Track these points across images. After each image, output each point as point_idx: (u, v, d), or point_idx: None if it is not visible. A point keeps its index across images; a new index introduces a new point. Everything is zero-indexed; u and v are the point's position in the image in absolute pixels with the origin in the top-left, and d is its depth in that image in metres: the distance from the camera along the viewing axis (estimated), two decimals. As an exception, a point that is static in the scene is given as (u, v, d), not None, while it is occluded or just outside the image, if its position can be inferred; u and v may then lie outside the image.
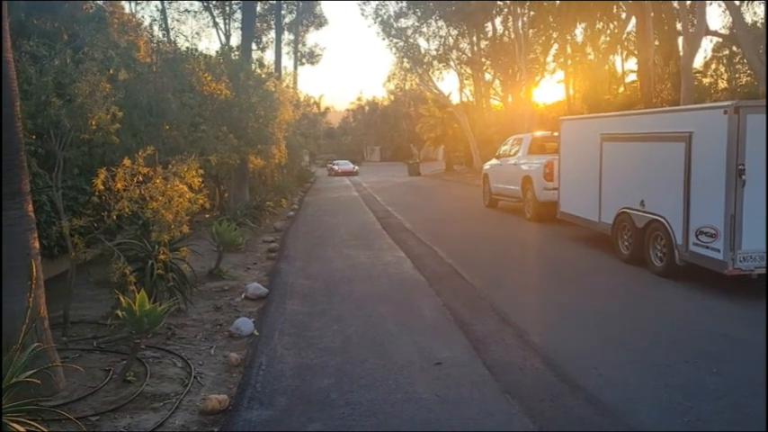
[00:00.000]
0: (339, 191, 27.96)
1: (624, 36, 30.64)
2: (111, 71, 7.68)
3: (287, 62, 37.80)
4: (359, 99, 67.51)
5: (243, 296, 8.10)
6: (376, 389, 4.97)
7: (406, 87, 44.45)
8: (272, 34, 32.85)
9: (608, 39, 31.24)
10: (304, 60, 38.67)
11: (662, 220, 8.53)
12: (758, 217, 7.23)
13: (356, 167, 46.28)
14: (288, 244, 12.64)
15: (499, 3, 32.52)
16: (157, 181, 6.49)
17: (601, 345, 5.96)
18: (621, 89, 33.50)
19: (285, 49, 35.55)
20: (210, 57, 14.23)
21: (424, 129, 41.35)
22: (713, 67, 33.02)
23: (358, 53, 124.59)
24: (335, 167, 45.87)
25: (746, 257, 7.26)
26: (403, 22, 36.43)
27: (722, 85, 31.76)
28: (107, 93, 6.68)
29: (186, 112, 10.37)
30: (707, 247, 7.65)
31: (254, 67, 17.48)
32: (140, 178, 6.35)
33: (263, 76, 17.22)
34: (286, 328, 6.69)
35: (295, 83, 35.19)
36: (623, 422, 4.34)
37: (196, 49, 13.48)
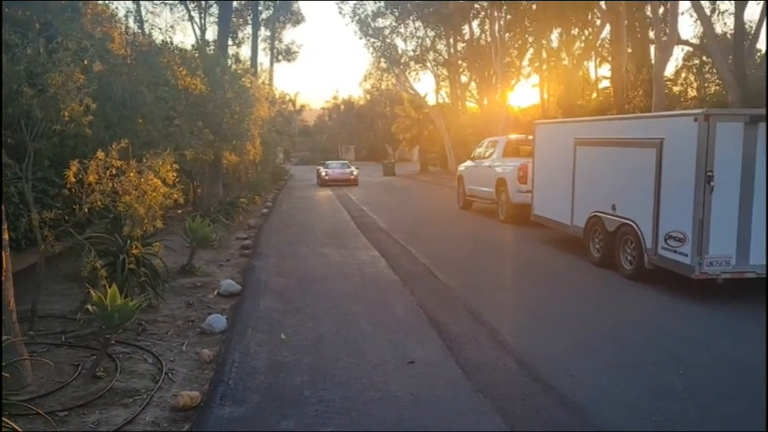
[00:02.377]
0: (314, 189, 27.92)
1: (598, 43, 31.13)
2: (86, 62, 7.54)
3: (263, 59, 37.62)
4: (335, 98, 67.29)
5: (215, 293, 8.03)
6: (349, 387, 4.98)
7: (383, 87, 44.46)
8: (249, 30, 32.53)
9: (582, 45, 31.65)
10: (280, 57, 38.40)
11: (632, 224, 8.69)
12: (725, 223, 7.40)
13: (355, 172, 30.54)
14: (262, 241, 12.56)
15: (476, 5, 32.74)
16: (131, 174, 6.40)
17: (572, 346, 6.05)
18: (595, 95, 34.02)
19: (261, 45, 35.30)
20: (186, 51, 14.07)
21: (400, 129, 41.41)
22: (683, 75, 33.68)
23: (335, 52, 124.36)
24: (324, 173, 30.25)
25: (713, 262, 7.43)
26: (380, 22, 36.44)
27: (692, 93, 32.38)
28: (81, 84, 6.56)
29: (161, 106, 10.23)
30: (675, 252, 7.81)
31: (230, 62, 17.32)
32: (113, 171, 6.26)
33: (239, 71, 17.06)
34: (259, 326, 6.66)
35: (271, 80, 34.96)
36: (593, 421, 4.41)
37: (171, 43, 13.33)
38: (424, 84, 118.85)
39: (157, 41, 13.46)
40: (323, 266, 9.94)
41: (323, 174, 30.40)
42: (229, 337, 6.23)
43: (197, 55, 14.06)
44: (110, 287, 5.34)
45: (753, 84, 20.50)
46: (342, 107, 65.97)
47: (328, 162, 33.12)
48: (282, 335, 5.79)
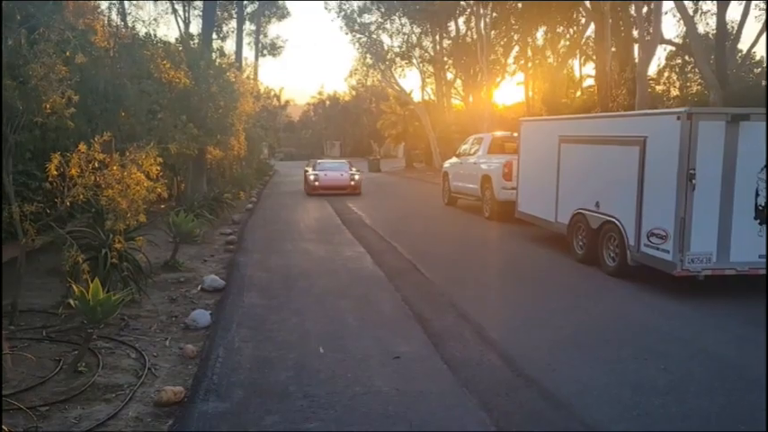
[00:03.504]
0: (299, 185, 27.72)
1: (583, 41, 31.32)
2: (68, 54, 7.43)
3: (248, 53, 37.30)
4: (320, 93, 67.07)
5: (199, 288, 7.98)
6: (335, 382, 4.97)
7: (368, 83, 44.37)
8: (234, 24, 32.34)
9: (567, 43, 31.87)
10: (265, 52, 38.17)
11: (615, 221, 8.76)
12: (706, 220, 7.48)
13: (357, 175, 22.08)
14: (246, 237, 12.50)
15: (462, 3, 32.79)
16: (114, 168, 6.33)
17: (555, 341, 6.09)
18: (579, 93, 34.23)
19: (246, 39, 35.06)
20: (170, 44, 13.93)
21: (385, 125, 41.39)
22: (666, 75, 34.01)
23: (320, 47, 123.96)
24: (313, 177, 21.57)
25: (694, 259, 7.51)
26: (366, 18, 36.38)
27: (674, 92, 32.73)
28: (63, 76, 6.47)
29: (144, 99, 10.13)
30: (657, 249, 7.89)
31: (214, 56, 17.19)
32: (96, 165, 6.18)
33: (224, 65, 16.95)
34: (244, 321, 6.63)
35: (256, 74, 34.73)
36: (575, 416, 4.45)
37: (155, 36, 13.20)
38: (410, 80, 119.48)
39: (141, 34, 13.32)
40: (308, 262, 9.92)
41: (311, 177, 21.23)
42: (213, 333, 6.20)
43: (181, 48, 13.95)
44: (92, 282, 5.28)
45: (734, 83, 20.75)
46: (327, 103, 65.78)
47: (319, 161, 24.34)
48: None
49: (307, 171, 23.20)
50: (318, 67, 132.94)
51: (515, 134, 13.45)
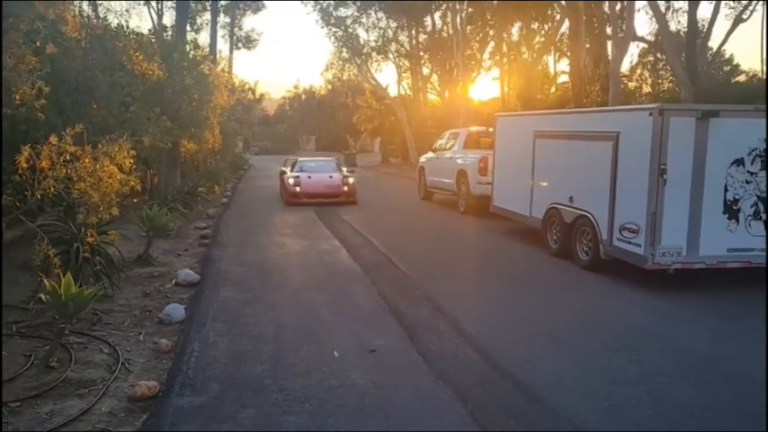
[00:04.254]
0: (273, 179, 27.48)
1: (557, 37, 31.60)
2: (38, 44, 7.28)
3: (222, 46, 37.05)
4: (296, 87, 66.63)
5: (173, 282, 7.90)
6: (310, 375, 4.97)
7: (344, 77, 44.22)
8: (208, 16, 31.91)
9: (542, 39, 32.10)
10: (240, 45, 37.75)
11: (589, 215, 8.88)
12: (676, 215, 7.62)
13: (351, 179, 17.41)
14: (221, 231, 12.40)
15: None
16: (86, 161, 6.24)
17: (529, 334, 6.16)
18: (554, 89, 34.56)
19: (221, 32, 34.63)
20: (142, 35, 13.72)
21: (361, 120, 41.29)
22: (638, 72, 34.52)
23: (296, 40, 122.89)
24: (293, 181, 16.93)
25: (665, 253, 7.65)
26: (342, 11, 36.21)
27: (646, 89, 33.24)
28: (32, 66, 6.34)
29: (116, 91, 9.96)
30: (629, 243, 8.02)
31: (188, 48, 16.96)
32: (67, 157, 6.08)
33: (198, 58, 16.74)
34: (219, 315, 6.59)
35: (230, 67, 34.35)
36: (549, 407, 4.51)
37: (127, 27, 12.98)
38: (386, 75, 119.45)
39: (113, 25, 13.10)
40: (283, 256, 9.89)
41: (290, 181, 16.74)
42: (188, 327, 6.15)
43: (154, 40, 13.75)
44: (63, 276, 5.20)
45: (704, 81, 21.14)
46: (303, 97, 65.42)
47: (300, 159, 19.18)
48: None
49: (284, 173, 17.73)
50: (294, 61, 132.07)
51: (491, 129, 13.54)
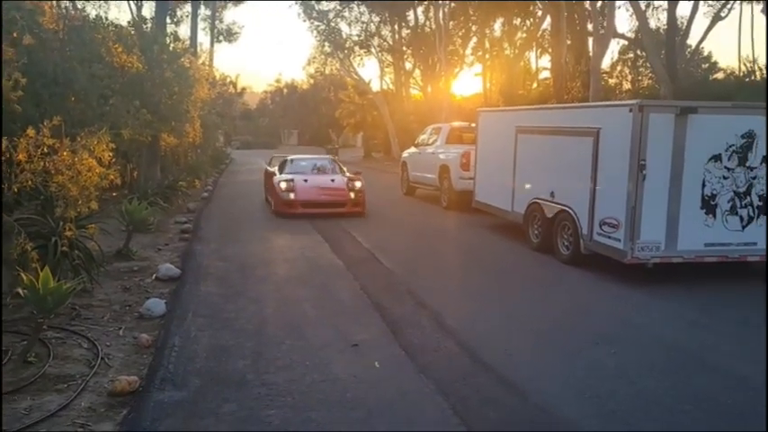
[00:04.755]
0: (256, 173, 27.31)
1: (539, 34, 31.78)
2: (15, 34, 7.16)
3: (203, 38, 36.74)
4: (277, 81, 66.15)
5: (153, 277, 7.83)
6: (293, 370, 4.96)
7: (327, 72, 44.03)
8: (188, 8, 31.56)
9: (524, 35, 32.26)
10: (221, 38, 37.38)
11: (570, 210, 8.95)
12: (655, 210, 7.71)
13: (359, 182, 13.85)
14: (202, 225, 12.31)
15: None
16: (64, 154, 6.14)
17: (511, 328, 6.21)
18: (535, 85, 34.77)
19: (201, 24, 34.25)
20: (122, 27, 13.54)
21: (344, 114, 41.22)
22: (619, 68, 34.85)
23: (278, 34, 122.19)
24: (287, 186, 13.33)
25: (644, 247, 7.74)
26: (325, 5, 36.04)
27: (627, 86, 33.58)
28: (9, 57, 6.24)
29: (95, 84, 9.83)
30: (609, 237, 8.10)
31: (168, 40, 16.78)
32: (45, 150, 5.98)
33: (178, 50, 16.56)
34: (200, 310, 6.54)
35: (211, 60, 34.06)
36: (530, 399, 4.55)
37: (106, 18, 12.78)
38: (369, 69, 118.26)
39: (91, 17, 12.91)
40: (265, 251, 9.84)
41: (282, 186, 13.44)
42: (169, 322, 6.10)
43: (133, 32, 13.58)
44: (41, 270, 5.13)
45: (683, 78, 21.39)
46: (285, 91, 65.02)
47: (290, 158, 15.42)
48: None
49: (272, 173, 14.72)
50: (276, 55, 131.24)
51: (473, 124, 13.57)
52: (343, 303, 7.00)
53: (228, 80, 43.10)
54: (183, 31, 32.71)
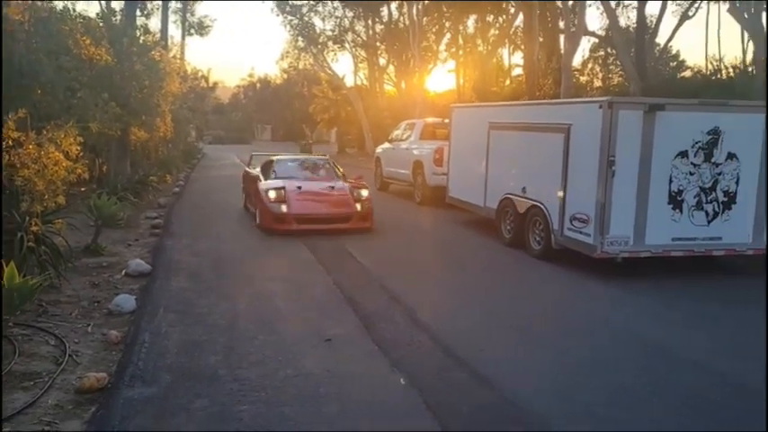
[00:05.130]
0: (228, 168, 27.13)
1: (512, 31, 32.02)
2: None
3: (174, 32, 36.17)
4: (250, 75, 65.66)
5: (123, 273, 7.71)
6: (265, 365, 4.94)
7: (300, 66, 43.82)
8: (159, 0, 31.10)
9: (497, 32, 32.48)
10: (192, 31, 36.88)
11: (541, 206, 9.05)
12: (624, 205, 7.84)
13: (365, 190, 11.45)
14: (173, 220, 12.16)
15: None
16: (30, 147, 6.02)
17: (484, 323, 6.27)
18: (508, 82, 35.03)
19: (172, 17, 33.76)
20: (90, 19, 13.28)
21: (318, 110, 41.05)
22: (590, 66, 35.29)
23: (251, 28, 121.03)
24: (276, 196, 10.68)
25: (613, 242, 7.87)
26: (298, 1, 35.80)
27: (597, 83, 34.01)
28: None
29: (62, 76, 9.63)
30: (579, 232, 8.21)
31: (138, 33, 16.51)
32: (10, 143, 5.86)
33: (149, 43, 16.31)
34: (171, 305, 6.47)
35: (182, 54, 33.56)
36: (501, 393, 4.60)
37: (74, 10, 12.53)
38: (343, 65, 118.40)
39: (58, 8, 12.64)
40: (238, 246, 9.77)
41: (271, 195, 10.82)
42: (139, 318, 6.02)
43: (102, 24, 13.33)
44: (6, 266, 5.02)
45: (652, 76, 21.74)
46: (258, 85, 64.52)
47: (276, 159, 12.83)
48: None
49: (254, 177, 12.18)
50: (249, 49, 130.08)
51: (447, 120, 13.63)
52: (317, 298, 6.99)
53: (200, 74, 42.70)
54: (154, 23, 32.20)
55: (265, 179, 11.67)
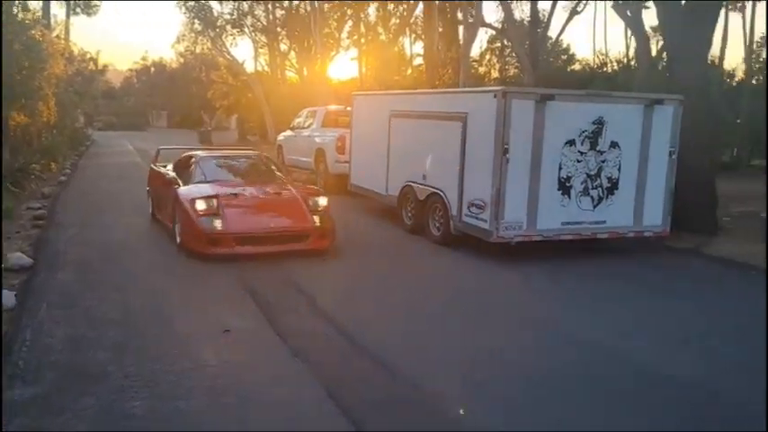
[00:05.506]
0: (120, 156, 25.84)
1: (413, 20, 32.41)
2: None
3: (57, 11, 33.63)
4: (144, 59, 62.47)
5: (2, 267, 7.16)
6: (160, 359, 4.75)
7: (198, 51, 42.19)
8: (40, -25, 28.90)
9: (398, 21, 32.77)
10: (78, 10, 34.60)
11: (440, 193, 9.26)
12: (517, 191, 8.15)
13: (322, 199, 8.85)
14: (58, 210, 11.43)
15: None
16: None
17: (386, 309, 6.36)
18: (410, 71, 35.52)
19: (56, -6, 31.58)
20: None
21: (217, 96, 39.82)
22: (487, 57, 36.48)
23: (144, 8, 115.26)
24: (207, 208, 7.96)
25: (508, 227, 8.18)
26: (195, -18, 34.42)
27: (495, 74, 35.23)
28: None
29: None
30: (476, 218, 8.48)
31: (15, 10, 15.30)
32: None
33: (28, 22, 15.16)
34: (56, 300, 6.09)
35: (67, 34, 31.36)
36: (400, 375, 4.69)
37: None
38: (243, 50, 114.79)
39: None
40: (130, 236, 9.34)
41: (199, 208, 7.98)
42: (19, 314, 5.62)
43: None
44: None
45: (544, 67, 22.76)
46: (152, 69, 61.60)
47: (202, 155, 9.97)
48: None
49: (169, 180, 9.30)
50: (142, 31, 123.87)
51: (349, 108, 13.62)
52: (217, 289, 6.80)
53: (88, 56, 40.11)
54: (34, 2, 29.97)
55: (185, 183, 8.94)
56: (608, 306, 6.71)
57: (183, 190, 8.61)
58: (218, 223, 7.86)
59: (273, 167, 10.21)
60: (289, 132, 17.74)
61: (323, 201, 8.81)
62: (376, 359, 4.95)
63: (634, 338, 5.63)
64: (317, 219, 8.44)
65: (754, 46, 24.96)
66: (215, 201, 8.09)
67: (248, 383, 4.42)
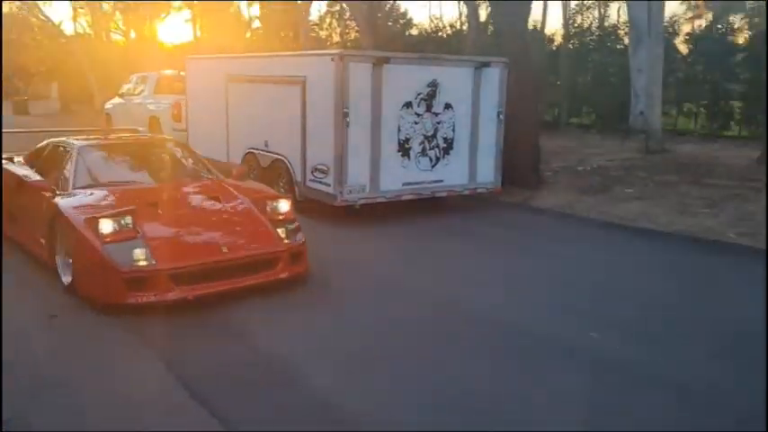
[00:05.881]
0: None
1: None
2: None
3: None
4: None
5: None
6: (-26, 355, 4.28)
7: (5, 11, 37.53)
8: None
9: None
10: None
11: (283, 159, 9.15)
12: (360, 155, 8.27)
13: (263, 194, 6.51)
14: None
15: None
16: None
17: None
18: (249, 34, 34.34)
19: None
20: None
21: (32, 61, 35.81)
22: (328, 21, 36.22)
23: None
24: (118, 236, 5.12)
25: (351, 190, 8.31)
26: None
27: (336, 38, 35.12)
28: None
29: None
30: (321, 183, 8.52)
31: None
32: None
33: None
34: None
35: None
36: (252, 345, 4.64)
37: None
38: (58, 10, 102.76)
39: None
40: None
41: (106, 231, 5.15)
42: None
43: None
44: None
45: (383, 32, 23.09)
46: (-51, 31, 53.90)
47: (75, 145, 6.61)
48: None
49: (34, 185, 6.31)
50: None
51: (183, 73, 12.92)
52: (41, 268, 6.22)
53: None
54: None
55: (61, 189, 6.09)
56: (449, 261, 7.09)
57: (68, 202, 5.75)
58: (140, 253, 5.16)
59: (192, 160, 7.38)
60: (118, 100, 16.57)
61: (284, 205, 6.23)
62: (223, 330, 4.85)
63: (474, 290, 6.02)
64: (282, 233, 5.91)
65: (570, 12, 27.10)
66: (130, 218, 5.32)
67: None
